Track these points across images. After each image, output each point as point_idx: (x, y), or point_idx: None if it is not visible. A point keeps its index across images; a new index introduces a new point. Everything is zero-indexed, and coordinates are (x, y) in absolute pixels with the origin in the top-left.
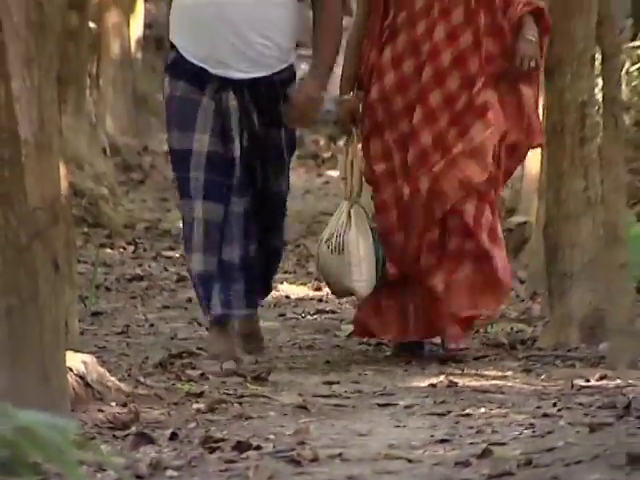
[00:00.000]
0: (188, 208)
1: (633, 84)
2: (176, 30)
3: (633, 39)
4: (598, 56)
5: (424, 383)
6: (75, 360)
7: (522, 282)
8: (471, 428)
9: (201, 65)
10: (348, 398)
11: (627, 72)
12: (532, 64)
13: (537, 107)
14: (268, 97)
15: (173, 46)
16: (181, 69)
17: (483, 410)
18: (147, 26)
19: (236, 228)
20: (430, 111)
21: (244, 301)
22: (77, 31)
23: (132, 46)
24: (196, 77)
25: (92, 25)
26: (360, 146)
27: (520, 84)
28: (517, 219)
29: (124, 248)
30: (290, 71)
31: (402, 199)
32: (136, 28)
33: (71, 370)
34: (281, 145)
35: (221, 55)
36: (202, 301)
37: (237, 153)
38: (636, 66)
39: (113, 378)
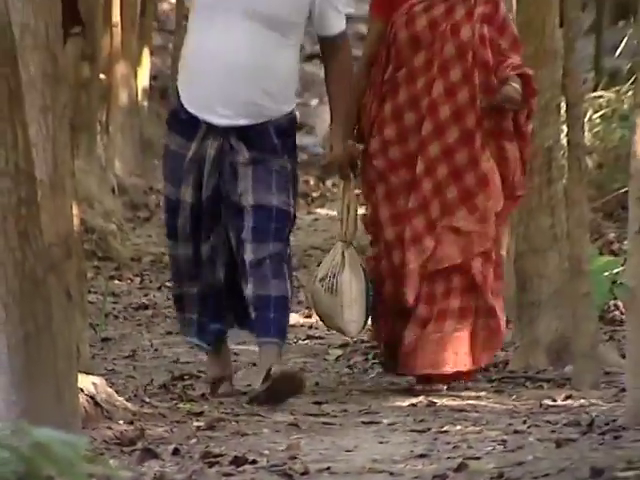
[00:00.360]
0: (172, 247)
1: (595, 130)
2: (179, 78)
3: (594, 89)
4: (563, 105)
5: (405, 403)
6: (86, 382)
7: None
8: (448, 444)
9: (192, 112)
10: (335, 417)
11: (589, 119)
12: (512, 106)
13: (522, 163)
14: (261, 146)
15: (176, 98)
16: (177, 120)
17: (459, 427)
18: (153, 77)
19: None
20: (430, 162)
21: (234, 321)
22: (88, 82)
23: (139, 95)
24: (188, 126)
25: (102, 76)
26: (356, 191)
27: (504, 141)
28: None
29: (131, 279)
30: (289, 120)
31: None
32: (143, 79)
33: (82, 391)
34: (272, 168)
35: (210, 101)
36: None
37: (203, 200)
38: (597, 114)
39: (121, 398)
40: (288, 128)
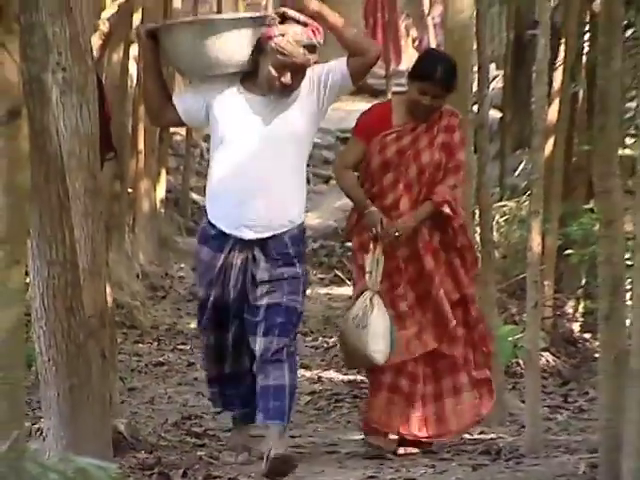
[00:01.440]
0: (203, 337)
1: (500, 230)
2: (207, 198)
3: (500, 200)
4: (477, 211)
5: (359, 436)
6: (116, 422)
7: None
8: (391, 468)
9: (220, 228)
10: (306, 447)
11: (497, 222)
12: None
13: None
14: (278, 254)
15: (205, 217)
16: (206, 235)
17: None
18: (168, 191)
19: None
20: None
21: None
22: (119, 195)
23: (157, 204)
24: (216, 240)
25: (130, 190)
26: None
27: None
28: None
29: (151, 343)
30: (301, 230)
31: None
32: (160, 192)
33: (113, 428)
34: (286, 276)
35: (237, 219)
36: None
37: (230, 302)
38: (502, 218)
39: (142, 434)
40: (300, 236)
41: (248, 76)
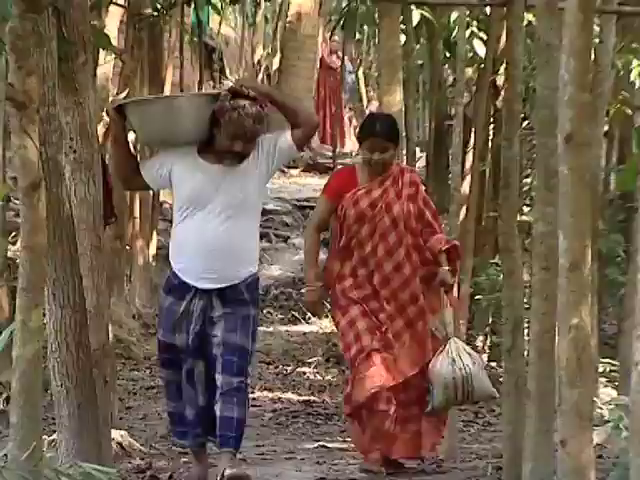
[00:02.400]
0: (164, 375)
1: None
2: (171, 254)
3: None
4: None
5: (312, 446)
6: (116, 434)
7: None
8: (337, 471)
9: (183, 279)
10: (269, 454)
11: None
12: (446, 287)
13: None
14: (233, 300)
15: (171, 270)
16: (170, 285)
17: (343, 461)
18: (158, 248)
19: (199, 384)
20: (381, 299)
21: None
22: (119, 251)
23: (150, 259)
24: (179, 290)
25: (127, 247)
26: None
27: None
28: None
29: (144, 370)
30: (254, 278)
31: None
32: (152, 249)
33: (113, 440)
34: (241, 315)
35: (197, 272)
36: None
37: (189, 343)
38: None
39: (137, 444)
40: (254, 284)
41: (204, 145)
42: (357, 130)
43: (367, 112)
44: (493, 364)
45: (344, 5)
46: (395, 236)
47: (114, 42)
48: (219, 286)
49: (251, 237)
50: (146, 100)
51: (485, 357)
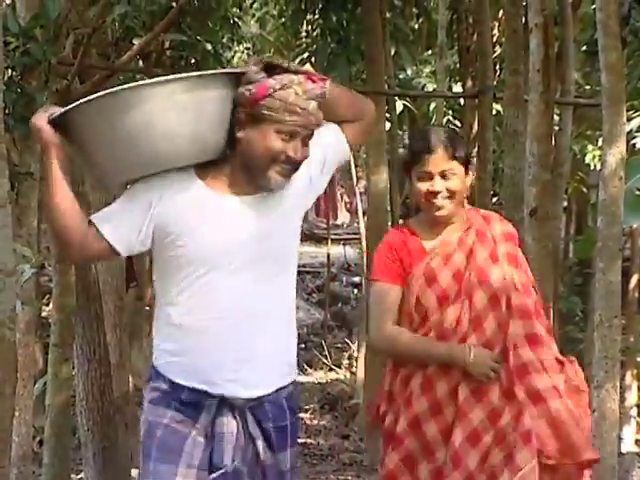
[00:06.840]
0: None
1: None
2: (167, 357)
3: None
4: None
5: None
6: (135, 473)
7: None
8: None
9: (200, 387)
10: None
11: None
12: None
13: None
14: (274, 417)
15: (158, 376)
16: (170, 398)
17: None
18: None
19: None
20: (473, 430)
21: None
22: (140, 310)
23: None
24: (190, 405)
25: (147, 307)
26: None
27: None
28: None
29: None
30: (295, 384)
31: None
32: None
33: (134, 478)
34: (285, 468)
35: (225, 373)
36: None
37: None
38: None
39: None
40: (297, 394)
41: (208, 168)
42: (404, 157)
43: (357, 190)
44: None
45: None
46: (494, 321)
47: None
48: (259, 394)
49: (291, 312)
50: (101, 96)
51: None
